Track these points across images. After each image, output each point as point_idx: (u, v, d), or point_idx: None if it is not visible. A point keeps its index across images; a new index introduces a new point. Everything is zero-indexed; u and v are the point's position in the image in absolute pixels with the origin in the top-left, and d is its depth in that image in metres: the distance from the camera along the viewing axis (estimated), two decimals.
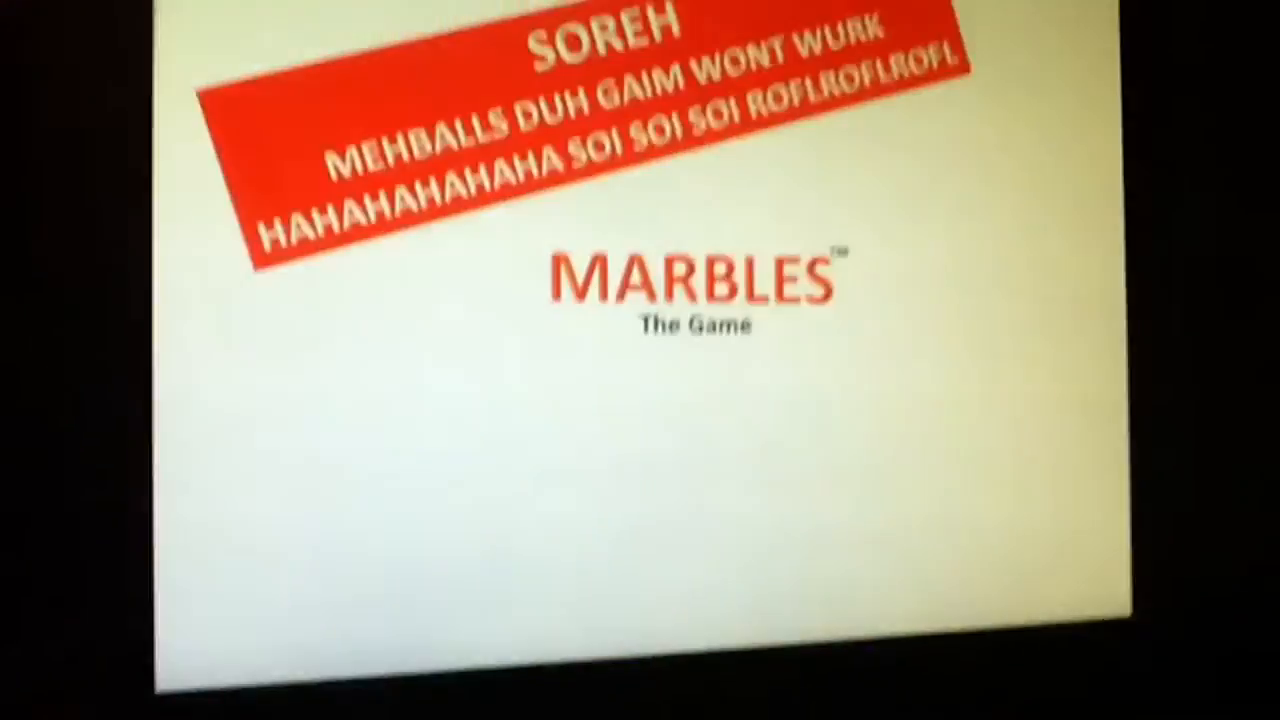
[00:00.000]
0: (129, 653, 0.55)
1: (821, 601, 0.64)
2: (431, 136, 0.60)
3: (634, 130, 0.62)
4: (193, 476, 0.56)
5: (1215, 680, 0.70)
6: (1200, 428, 0.70)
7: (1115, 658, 0.68)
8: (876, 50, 0.66)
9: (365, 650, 0.58)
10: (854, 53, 0.66)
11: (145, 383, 0.55)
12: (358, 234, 0.58)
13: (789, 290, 0.64)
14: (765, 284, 0.64)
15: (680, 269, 0.62)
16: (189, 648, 0.56)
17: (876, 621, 0.65)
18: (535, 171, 0.61)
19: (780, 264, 0.64)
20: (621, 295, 0.62)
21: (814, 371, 0.64)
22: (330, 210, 0.58)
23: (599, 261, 0.61)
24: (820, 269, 0.64)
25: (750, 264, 0.63)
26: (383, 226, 0.59)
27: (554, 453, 0.60)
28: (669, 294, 0.62)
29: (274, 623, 0.57)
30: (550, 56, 0.61)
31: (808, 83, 0.65)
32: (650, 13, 0.63)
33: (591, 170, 0.62)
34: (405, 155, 0.59)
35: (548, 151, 0.61)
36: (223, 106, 0.57)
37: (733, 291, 0.63)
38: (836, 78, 0.65)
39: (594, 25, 0.62)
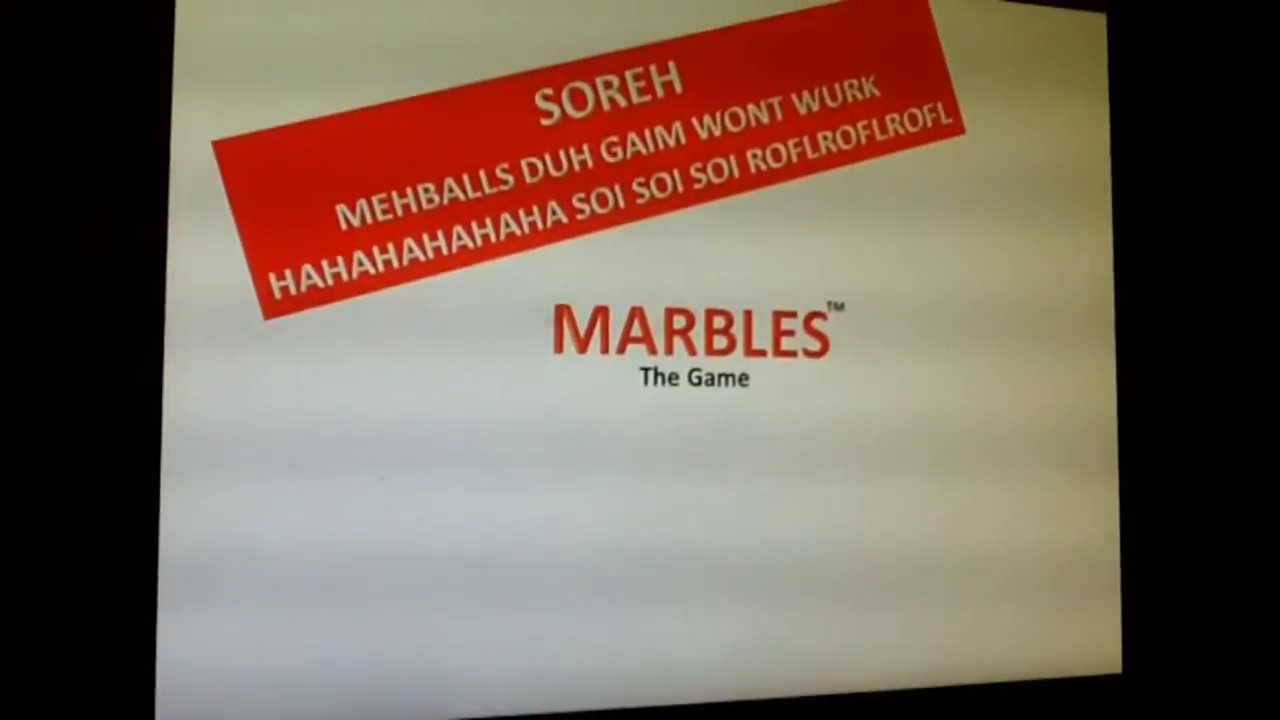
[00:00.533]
0: (128, 706, 0.55)
1: (813, 654, 0.65)
2: (439, 189, 0.61)
3: (636, 185, 0.64)
4: (198, 519, 0.57)
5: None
6: (1190, 486, 0.72)
7: (1105, 714, 0.68)
8: (873, 110, 0.68)
9: (364, 704, 0.58)
10: (851, 112, 0.68)
11: (154, 430, 0.56)
12: (366, 284, 0.60)
13: (786, 344, 0.65)
14: (763, 338, 0.65)
15: (680, 322, 0.64)
16: (188, 702, 0.56)
17: (868, 675, 0.65)
18: (540, 224, 0.62)
19: (777, 318, 0.65)
20: (622, 347, 0.63)
21: (810, 424, 0.65)
22: (340, 260, 0.59)
23: (600, 314, 0.63)
24: (817, 323, 0.66)
25: (749, 318, 0.65)
26: (390, 277, 0.60)
27: (554, 503, 0.61)
28: (669, 347, 0.63)
29: (276, 670, 0.57)
30: (556, 112, 0.63)
31: (806, 141, 0.67)
32: (654, 71, 0.65)
33: (595, 224, 0.63)
34: (414, 207, 0.60)
35: (552, 205, 0.62)
36: (237, 157, 0.58)
37: (731, 345, 0.64)
38: (834, 136, 0.67)
39: (599, 82, 0.64)
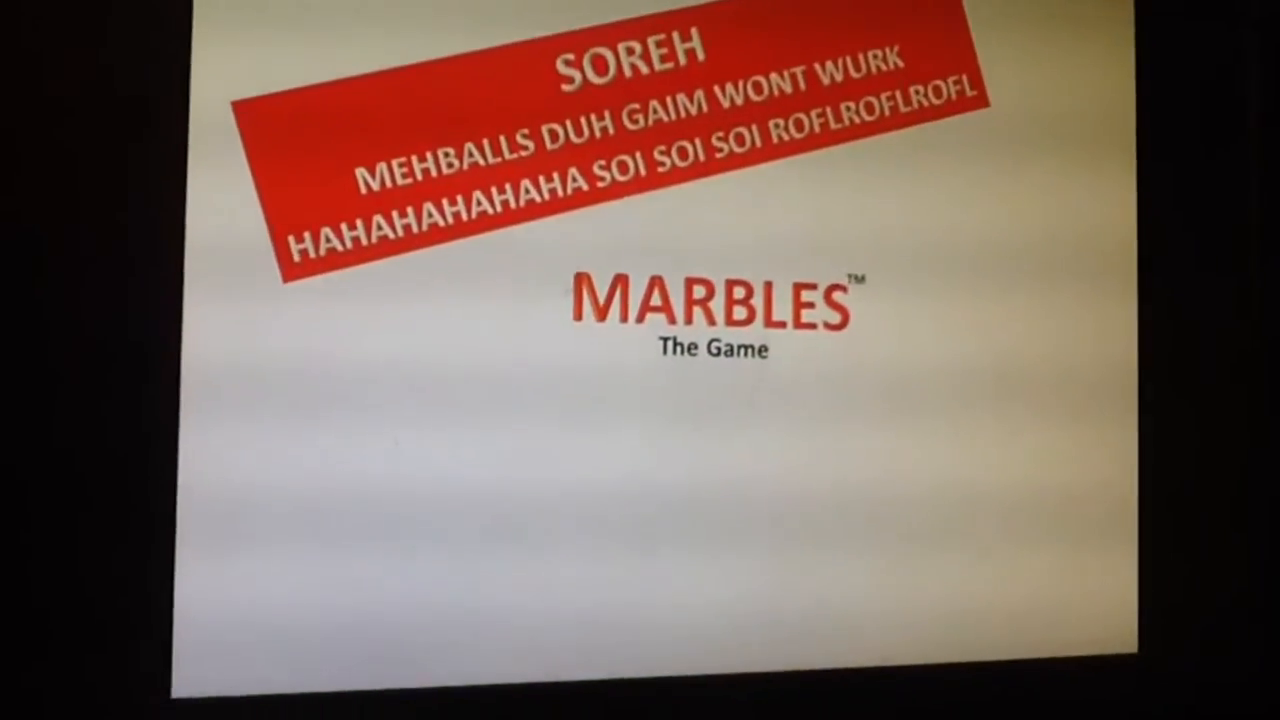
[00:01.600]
0: (146, 659, 0.56)
1: (829, 628, 0.65)
2: (460, 154, 0.60)
3: (658, 153, 0.63)
4: (214, 482, 0.57)
5: (1222, 717, 0.70)
6: (1209, 462, 0.71)
7: (1122, 693, 0.68)
8: (896, 81, 0.67)
9: (378, 662, 0.59)
10: (874, 83, 0.67)
11: (172, 392, 0.56)
12: (385, 248, 0.59)
13: (806, 316, 0.65)
14: (783, 309, 0.64)
15: (700, 292, 0.63)
16: (206, 654, 0.56)
17: (883, 651, 0.65)
18: (560, 191, 0.62)
19: (798, 290, 0.65)
20: (642, 316, 0.62)
21: (829, 397, 0.65)
22: (359, 224, 0.59)
23: (620, 282, 0.62)
24: (837, 296, 0.65)
25: (769, 289, 0.64)
26: (410, 242, 0.60)
27: (570, 470, 0.61)
28: (688, 317, 0.63)
29: (291, 631, 0.57)
30: (577, 78, 0.62)
31: (829, 111, 0.66)
32: (676, 38, 0.64)
33: (615, 191, 0.62)
34: (433, 171, 0.60)
35: (573, 172, 0.62)
36: (256, 118, 0.58)
37: (751, 316, 0.64)
38: (857, 107, 0.66)
39: (621, 49, 0.63)
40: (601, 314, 0.62)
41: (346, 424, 0.58)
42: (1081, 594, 0.68)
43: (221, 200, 0.57)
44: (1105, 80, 0.71)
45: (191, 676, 0.56)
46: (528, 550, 0.60)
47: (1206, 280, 0.72)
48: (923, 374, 0.66)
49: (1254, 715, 0.71)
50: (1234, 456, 0.71)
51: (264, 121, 0.58)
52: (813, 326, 0.65)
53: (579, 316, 0.62)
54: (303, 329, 0.58)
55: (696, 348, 0.63)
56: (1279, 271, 0.72)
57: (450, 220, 0.60)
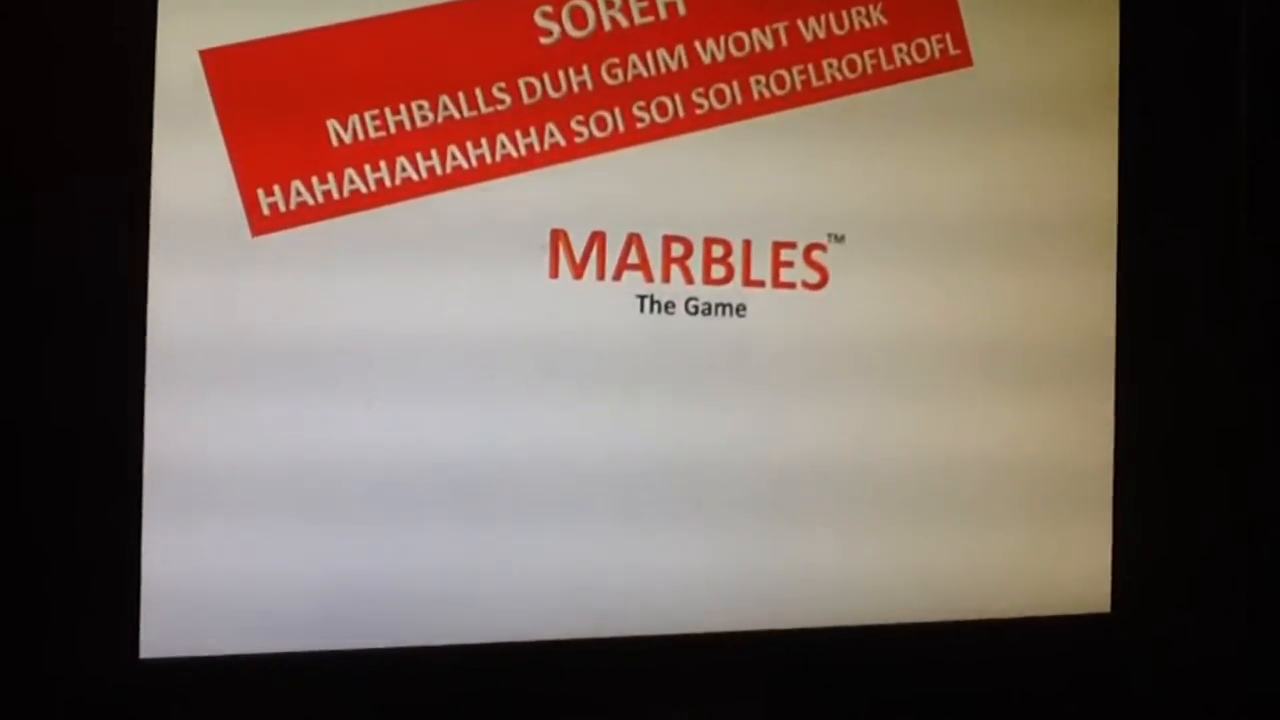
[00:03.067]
0: (113, 619, 0.55)
1: (807, 589, 0.64)
2: (434, 107, 0.59)
3: (637, 109, 0.62)
4: (183, 441, 0.56)
5: (1194, 677, 0.71)
6: (1185, 421, 0.71)
7: (1094, 653, 0.69)
8: (879, 39, 0.66)
9: (349, 623, 0.58)
10: (857, 40, 0.66)
11: (139, 347, 0.55)
12: (357, 202, 0.58)
13: (785, 275, 0.64)
14: (762, 268, 0.64)
15: (678, 250, 0.63)
16: (173, 615, 0.56)
17: (857, 609, 0.65)
18: (537, 146, 0.61)
19: (777, 249, 0.64)
20: (619, 274, 0.62)
21: (807, 355, 0.64)
22: (330, 177, 0.58)
23: (597, 239, 0.61)
24: (817, 255, 0.65)
25: (747, 247, 0.64)
26: (382, 196, 0.58)
27: (547, 429, 0.60)
28: (665, 275, 0.62)
29: (259, 592, 0.57)
30: (555, 31, 0.61)
31: (810, 68, 0.65)
32: None
33: (593, 148, 0.61)
34: (407, 124, 0.59)
35: (550, 127, 0.61)
36: (225, 68, 0.56)
37: (729, 274, 0.63)
38: (839, 65, 0.65)
39: (600, 2, 0.62)
40: (578, 271, 0.61)
41: (316, 383, 0.57)
42: (1055, 555, 0.69)
43: (189, 150, 0.56)
44: (1090, 43, 0.70)
45: (159, 638, 0.56)
46: (504, 510, 0.60)
47: (1187, 250, 0.71)
48: (901, 335, 0.66)
49: (1225, 675, 0.71)
50: (1210, 423, 0.72)
51: (233, 71, 0.57)
52: (791, 286, 0.64)
53: (555, 274, 0.61)
54: (271, 284, 0.57)
55: (674, 306, 0.62)
56: (1261, 244, 0.72)
57: (424, 175, 0.59)
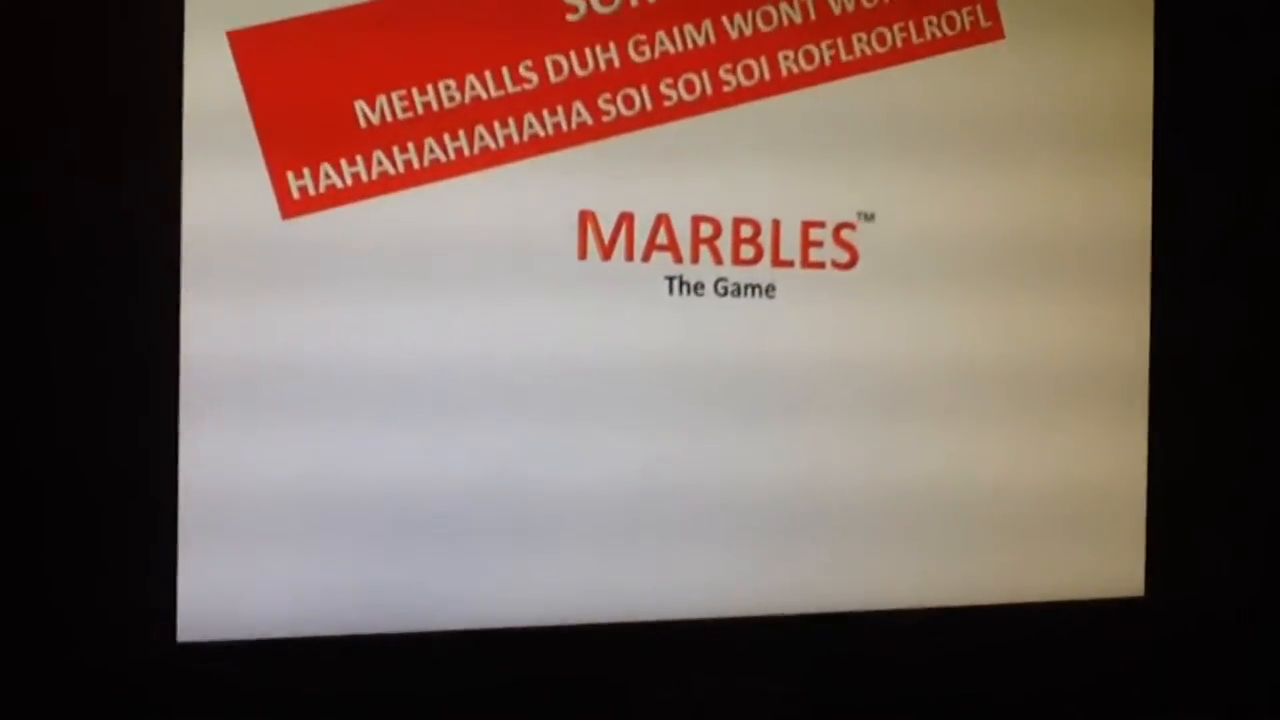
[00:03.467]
0: (152, 603, 0.56)
1: (837, 570, 0.65)
2: (461, 87, 0.59)
3: (664, 86, 0.62)
4: (217, 425, 0.56)
5: (1227, 662, 0.71)
6: (1219, 408, 0.70)
7: (1128, 637, 0.69)
8: (909, 11, 0.65)
9: (386, 606, 0.59)
10: (886, 13, 0.65)
11: (172, 329, 0.55)
12: (386, 185, 0.58)
13: (814, 255, 0.64)
14: (791, 248, 0.63)
15: (707, 230, 0.62)
16: (212, 598, 0.57)
17: (889, 593, 0.66)
18: (564, 125, 0.60)
19: (806, 228, 0.64)
20: (647, 255, 0.61)
21: (837, 337, 0.64)
22: (359, 160, 0.58)
23: (625, 220, 0.61)
24: (846, 234, 0.64)
25: (776, 227, 0.63)
26: (411, 178, 0.58)
27: (576, 411, 0.61)
28: (694, 256, 0.62)
29: (297, 576, 0.58)
30: (582, 7, 0.61)
31: (839, 43, 0.64)
32: None
33: (621, 126, 0.61)
34: (435, 105, 0.59)
35: (577, 106, 0.60)
36: (253, 49, 0.56)
37: (758, 255, 0.63)
38: (868, 38, 0.65)
39: None
40: (607, 252, 0.61)
41: (348, 357, 0.58)
42: (1089, 537, 0.68)
43: (218, 132, 0.56)
44: (1122, 12, 0.69)
45: (197, 620, 0.56)
46: (536, 488, 0.60)
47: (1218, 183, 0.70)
48: (931, 317, 0.65)
49: (1257, 663, 0.71)
50: (1255, 382, 0.71)
51: (261, 52, 0.56)
52: (821, 265, 0.64)
53: (584, 255, 0.61)
54: (302, 266, 0.57)
55: (703, 287, 0.62)
56: None
57: (452, 156, 0.59)
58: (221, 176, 0.56)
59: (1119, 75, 0.68)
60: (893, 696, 0.66)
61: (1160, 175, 0.69)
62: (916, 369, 0.65)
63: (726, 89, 0.63)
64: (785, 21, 0.63)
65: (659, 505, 0.62)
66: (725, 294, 0.62)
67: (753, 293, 0.63)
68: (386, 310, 0.58)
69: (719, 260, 0.62)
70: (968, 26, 0.66)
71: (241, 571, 0.57)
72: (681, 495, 0.62)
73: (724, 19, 0.63)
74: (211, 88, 0.56)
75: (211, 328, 0.56)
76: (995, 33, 0.66)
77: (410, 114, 0.58)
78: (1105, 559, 0.69)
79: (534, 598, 0.61)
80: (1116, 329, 0.69)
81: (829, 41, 0.64)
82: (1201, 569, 0.70)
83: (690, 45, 0.62)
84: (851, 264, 0.64)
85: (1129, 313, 0.69)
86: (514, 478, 0.60)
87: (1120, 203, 0.68)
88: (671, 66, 0.62)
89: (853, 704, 0.66)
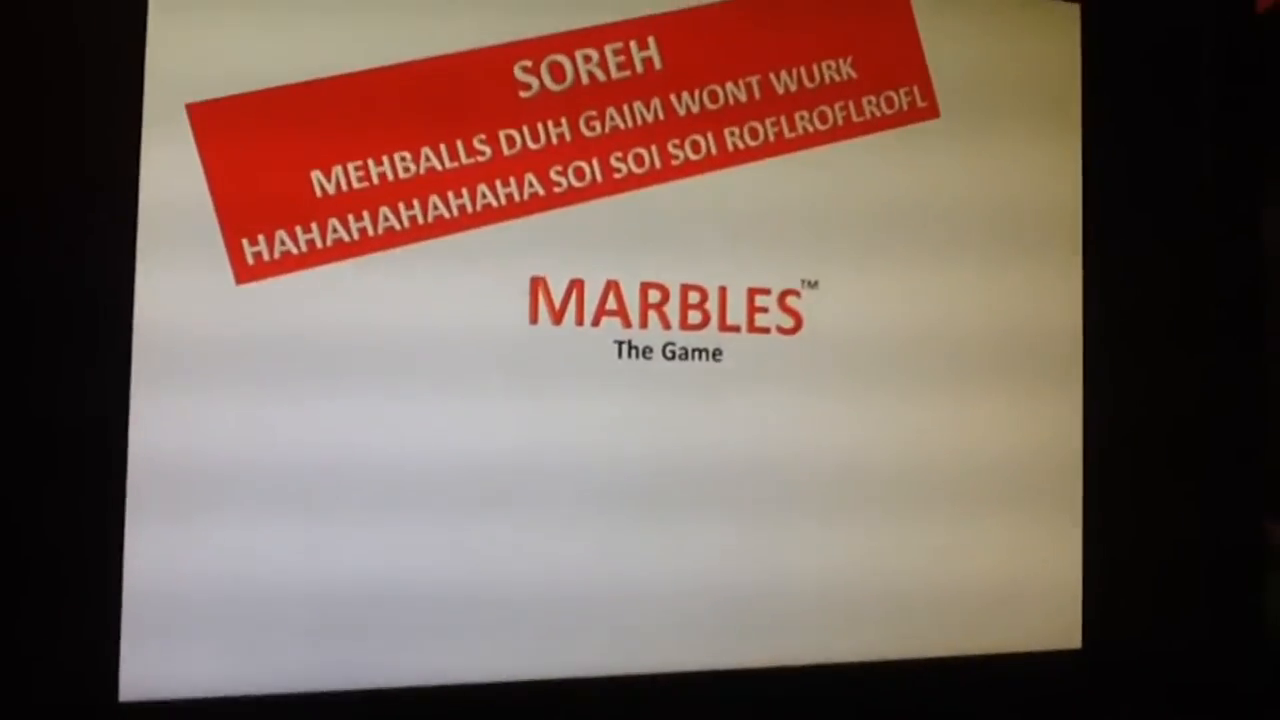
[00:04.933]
0: (93, 661, 0.55)
1: (780, 628, 0.65)
2: (416, 158, 0.61)
3: (614, 160, 0.64)
4: (165, 487, 0.56)
5: (1164, 712, 0.72)
6: (1152, 463, 0.72)
7: (1065, 688, 0.70)
8: (849, 92, 0.68)
9: (331, 665, 0.58)
10: (828, 93, 0.68)
11: (122, 393, 0.56)
12: (341, 251, 0.59)
13: (760, 320, 0.65)
14: (737, 313, 0.65)
15: (655, 296, 0.64)
16: (153, 658, 0.56)
17: (831, 649, 0.66)
18: (516, 196, 0.62)
19: (752, 294, 0.65)
20: (597, 320, 0.63)
21: (782, 400, 0.66)
22: (314, 227, 0.59)
23: (576, 286, 0.63)
24: (791, 300, 0.66)
25: (723, 294, 0.65)
26: (365, 245, 0.60)
27: (527, 474, 0.61)
28: (643, 321, 0.64)
29: (240, 635, 0.57)
30: (535, 84, 0.63)
31: (783, 120, 0.67)
32: (633, 46, 0.65)
33: (571, 197, 0.63)
34: (390, 175, 0.60)
35: (529, 177, 0.62)
36: (211, 121, 0.58)
37: (705, 320, 0.65)
38: (810, 116, 0.67)
39: (578, 56, 0.64)
40: (557, 317, 0.62)
41: (300, 422, 0.58)
42: (1025, 590, 0.70)
43: (174, 201, 0.57)
44: (1051, 92, 0.72)
45: (139, 678, 0.56)
46: (486, 550, 0.61)
47: (1145, 260, 0.73)
48: (874, 379, 0.67)
49: (1194, 713, 0.72)
50: (1181, 446, 0.73)
51: (218, 124, 0.58)
52: (766, 330, 0.66)
53: (535, 320, 0.62)
54: (256, 331, 0.58)
55: (651, 351, 0.64)
56: (1226, 242, 0.74)
57: (406, 224, 0.60)
58: (178, 243, 0.57)
59: (1048, 148, 0.72)
60: None
61: (1090, 260, 0.72)
62: (857, 432, 0.67)
63: (675, 162, 0.65)
64: (731, 100, 0.66)
65: (609, 564, 0.63)
66: (673, 358, 0.64)
67: (700, 356, 0.64)
68: (339, 374, 0.59)
69: (667, 325, 0.64)
70: (904, 106, 0.69)
71: (185, 628, 0.56)
72: (632, 554, 0.63)
73: (672, 97, 0.65)
74: (169, 156, 0.57)
75: (163, 387, 0.56)
76: (930, 111, 0.70)
77: (366, 184, 0.60)
78: (1042, 612, 0.70)
79: (486, 657, 0.61)
80: (1052, 389, 0.71)
81: (773, 119, 0.67)
82: (1136, 620, 0.71)
83: (639, 121, 0.64)
84: (796, 329, 0.66)
85: (1063, 374, 0.71)
86: (466, 538, 0.60)
87: (1051, 290, 0.71)
88: (621, 141, 0.64)
89: None
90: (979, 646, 0.68)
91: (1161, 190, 0.74)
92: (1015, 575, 0.69)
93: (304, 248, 0.59)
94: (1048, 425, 0.71)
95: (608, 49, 0.64)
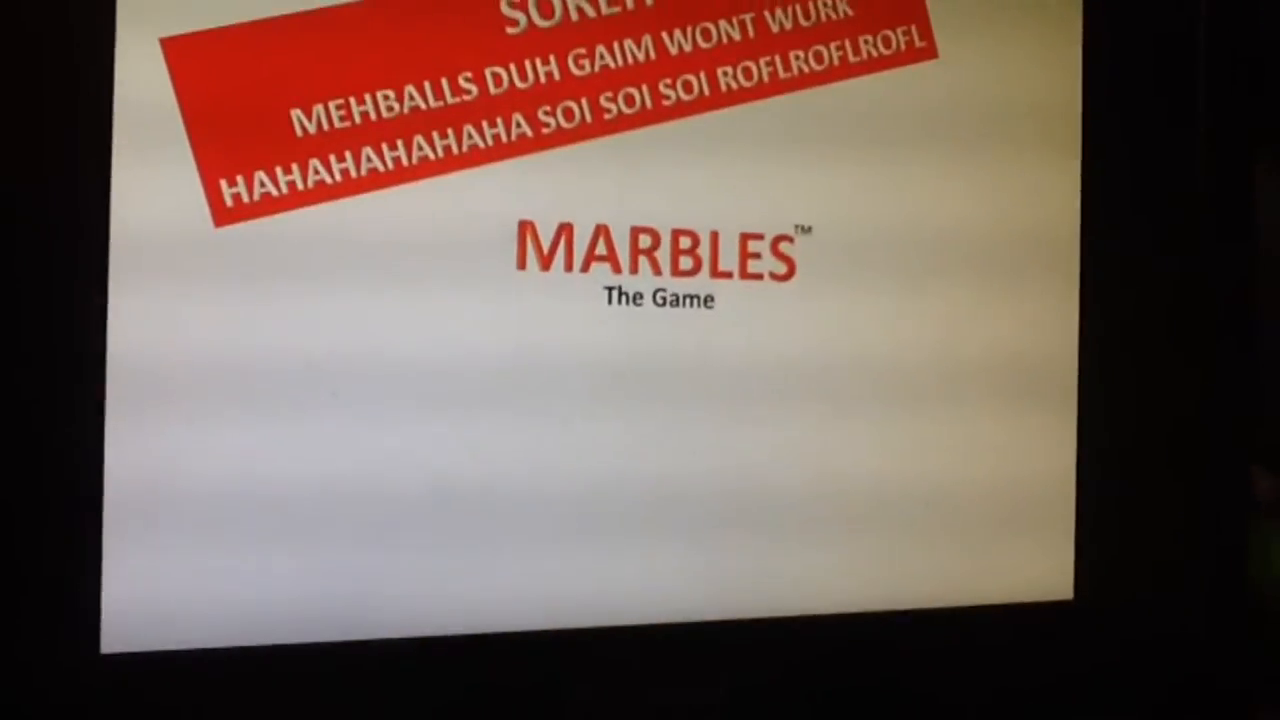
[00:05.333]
0: (74, 613, 0.54)
1: (767, 576, 0.65)
2: (400, 97, 0.59)
3: (604, 100, 0.62)
4: (144, 434, 0.55)
5: (1155, 664, 0.72)
6: (1149, 410, 0.72)
7: (1055, 640, 0.70)
8: (846, 30, 0.66)
9: (314, 615, 0.58)
10: (824, 32, 0.66)
11: (99, 338, 0.54)
12: (322, 193, 0.58)
13: (752, 266, 0.64)
14: (729, 259, 0.64)
15: (645, 241, 0.63)
16: (136, 609, 0.55)
17: (818, 599, 0.66)
18: (504, 137, 0.60)
19: (744, 240, 0.64)
20: (586, 266, 0.62)
21: (774, 347, 0.64)
22: (295, 168, 0.57)
23: (565, 231, 0.61)
24: (784, 246, 0.65)
25: (715, 239, 0.64)
26: (348, 187, 0.58)
27: (513, 421, 0.60)
28: (634, 266, 0.62)
29: (224, 586, 0.57)
30: (522, 20, 0.61)
31: (777, 60, 0.65)
32: None
33: (560, 138, 0.61)
34: (373, 115, 0.58)
35: (517, 117, 0.61)
36: (187, 56, 0.56)
37: (697, 266, 0.63)
38: (806, 56, 0.66)
39: None
40: (546, 263, 0.61)
41: (280, 370, 0.57)
42: (1017, 540, 0.69)
43: (150, 139, 0.55)
44: (1054, 31, 0.70)
45: (122, 630, 0.55)
46: (470, 497, 0.60)
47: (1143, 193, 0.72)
48: (866, 321, 0.66)
49: (1185, 664, 0.72)
50: (1176, 409, 0.72)
51: (194, 59, 0.56)
52: (759, 277, 0.64)
53: (523, 265, 0.61)
54: (235, 275, 0.56)
55: (642, 298, 0.62)
56: (1226, 258, 0.73)
57: (390, 165, 0.59)
58: (153, 184, 0.55)
59: (1047, 89, 0.70)
60: (819, 702, 0.66)
61: (1089, 177, 0.70)
62: (850, 378, 0.66)
63: (666, 103, 0.63)
64: (724, 39, 0.64)
65: (595, 512, 0.62)
66: (664, 304, 0.63)
67: (691, 303, 0.63)
68: (322, 315, 0.57)
69: (658, 271, 0.63)
70: (903, 46, 0.67)
71: (171, 578, 0.56)
72: (618, 500, 0.62)
73: (664, 35, 0.63)
74: (143, 94, 0.55)
75: (140, 328, 0.55)
76: (929, 52, 0.68)
77: (348, 123, 0.58)
78: (1034, 563, 0.70)
79: (468, 605, 0.60)
80: (1048, 330, 0.70)
81: (767, 58, 0.65)
82: (1128, 571, 0.71)
83: (630, 60, 0.63)
84: (789, 276, 0.65)
85: (1060, 316, 0.70)
86: (451, 482, 0.59)
87: (1049, 205, 0.70)
88: (611, 80, 0.62)
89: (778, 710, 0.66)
90: (966, 598, 0.68)
91: (1166, 120, 0.72)
92: (1006, 523, 0.69)
93: (284, 189, 0.57)
94: (1043, 358, 0.70)
95: None
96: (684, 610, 0.64)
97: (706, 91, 0.64)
